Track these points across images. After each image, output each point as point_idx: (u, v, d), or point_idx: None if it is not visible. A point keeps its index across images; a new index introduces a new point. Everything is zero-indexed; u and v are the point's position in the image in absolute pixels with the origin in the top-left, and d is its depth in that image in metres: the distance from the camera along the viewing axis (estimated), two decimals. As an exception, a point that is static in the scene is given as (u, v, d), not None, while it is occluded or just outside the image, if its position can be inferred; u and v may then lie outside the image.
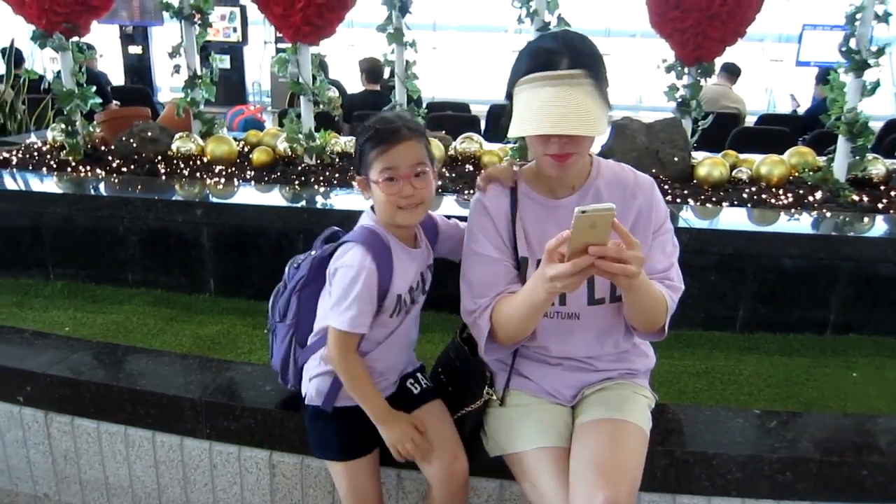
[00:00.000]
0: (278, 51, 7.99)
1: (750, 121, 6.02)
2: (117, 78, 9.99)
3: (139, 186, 2.95)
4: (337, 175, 3.12)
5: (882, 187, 3.08)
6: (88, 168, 3.23)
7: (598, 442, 1.47)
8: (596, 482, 1.37)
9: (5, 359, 2.15)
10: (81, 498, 2.18)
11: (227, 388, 1.98)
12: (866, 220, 2.71)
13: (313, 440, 1.72)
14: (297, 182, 3.04)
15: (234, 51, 10.96)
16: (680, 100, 3.25)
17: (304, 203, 2.77)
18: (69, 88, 3.36)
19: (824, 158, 3.24)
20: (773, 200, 2.85)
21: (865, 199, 2.89)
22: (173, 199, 2.78)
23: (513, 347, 1.60)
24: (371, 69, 5.57)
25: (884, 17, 2.96)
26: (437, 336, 2.24)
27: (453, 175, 3.17)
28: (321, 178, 3.08)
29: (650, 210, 1.55)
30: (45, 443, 2.14)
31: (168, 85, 10.35)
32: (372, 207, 1.61)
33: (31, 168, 3.28)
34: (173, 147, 3.39)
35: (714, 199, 2.85)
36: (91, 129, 3.62)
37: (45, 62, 6.62)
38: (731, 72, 5.98)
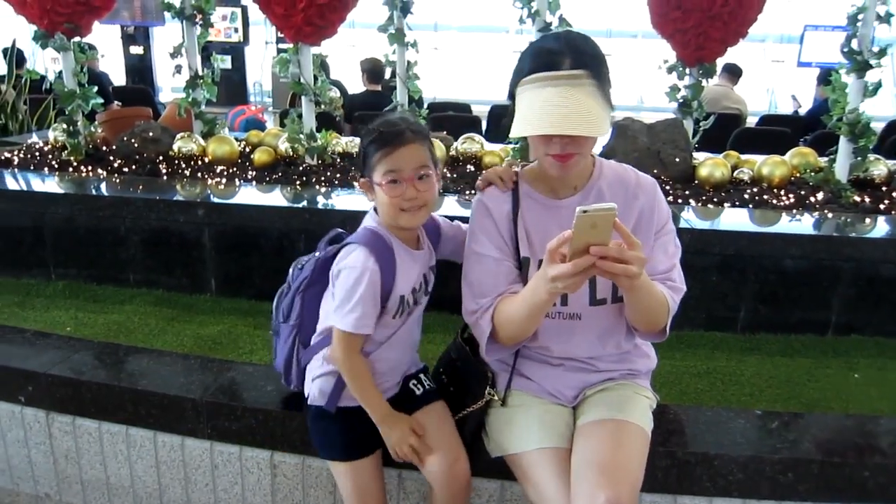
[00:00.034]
0: (279, 51, 7.99)
1: (751, 121, 6.01)
2: (119, 78, 10.01)
3: (140, 186, 2.95)
4: (338, 175, 3.12)
5: (884, 188, 3.07)
6: (90, 168, 3.23)
7: (600, 442, 1.47)
8: (597, 482, 1.37)
9: (7, 359, 2.15)
10: (82, 498, 2.19)
11: (228, 388, 1.99)
12: (868, 220, 2.71)
13: (316, 440, 1.72)
14: (298, 182, 3.04)
15: (236, 51, 10.99)
16: (681, 100, 3.25)
17: (305, 203, 2.77)
18: (71, 88, 3.37)
19: (826, 159, 3.24)
20: (774, 201, 2.85)
21: (867, 199, 2.88)
22: (175, 199, 2.79)
23: (514, 348, 1.60)
24: (372, 69, 5.57)
25: (886, 18, 2.95)
26: (439, 336, 2.23)
27: (454, 175, 3.17)
28: (322, 179, 3.08)
29: (652, 211, 1.55)
30: (46, 443, 2.14)
31: (169, 85, 10.35)
32: (375, 209, 1.61)
33: (32, 168, 3.28)
34: (175, 147, 3.39)
35: (715, 199, 2.85)
36: (92, 129, 3.62)
37: (46, 62, 6.64)
38: (733, 72, 5.98)
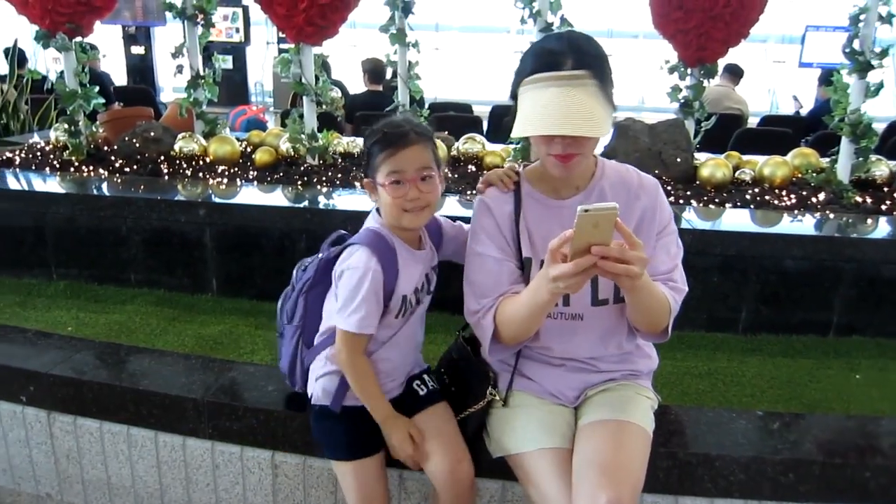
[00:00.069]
0: (281, 51, 7.99)
1: (753, 122, 6.01)
2: (120, 78, 10.01)
3: (142, 186, 2.95)
4: (339, 175, 3.12)
5: (885, 189, 3.07)
6: (91, 168, 3.24)
7: (601, 443, 1.47)
8: (599, 483, 1.37)
9: (8, 359, 2.15)
10: (84, 498, 2.19)
11: (229, 388, 1.99)
12: (869, 221, 2.71)
13: (320, 440, 1.72)
14: (299, 182, 3.04)
15: (237, 51, 10.98)
16: (683, 101, 3.25)
17: (306, 203, 2.77)
18: (72, 88, 3.37)
19: (827, 160, 3.23)
20: (776, 202, 2.85)
21: (869, 200, 2.88)
22: (176, 199, 2.79)
23: (516, 348, 1.60)
24: (373, 70, 5.58)
25: (887, 19, 2.95)
26: (440, 337, 2.23)
27: (455, 176, 3.17)
28: (324, 179, 3.08)
29: (654, 211, 1.55)
30: (47, 442, 2.14)
31: (171, 85, 10.34)
32: (377, 210, 1.62)
33: (34, 168, 3.28)
34: (176, 147, 3.39)
35: (717, 200, 2.85)
36: (94, 129, 3.63)
37: (47, 62, 6.63)
38: (734, 73, 5.98)
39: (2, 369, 2.12)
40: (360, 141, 3.63)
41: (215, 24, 3.66)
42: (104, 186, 2.99)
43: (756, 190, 3.00)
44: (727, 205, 2.81)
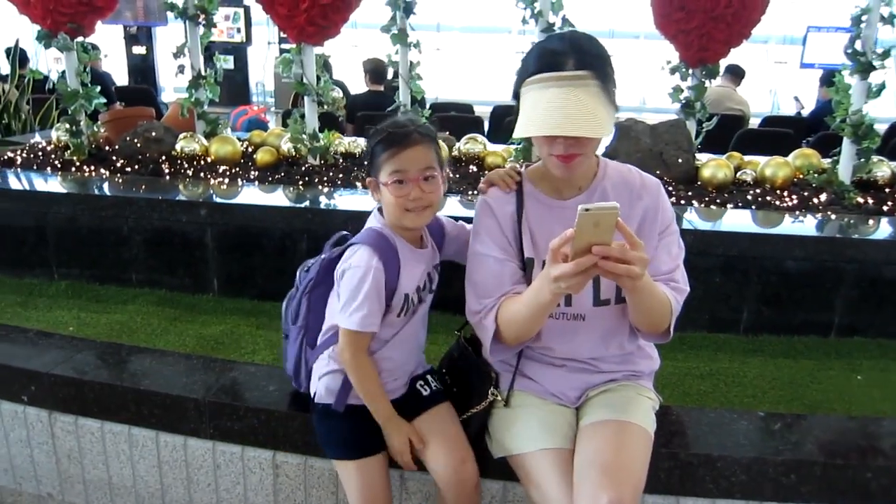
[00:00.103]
0: (282, 51, 8.00)
1: (754, 123, 6.01)
2: (121, 78, 10.01)
3: (143, 186, 2.95)
4: (340, 175, 3.13)
5: (887, 190, 3.06)
6: (92, 168, 3.24)
7: (603, 443, 1.47)
8: (600, 483, 1.37)
9: (9, 358, 2.15)
10: (85, 497, 2.19)
11: (230, 388, 1.99)
12: (871, 222, 2.70)
13: (322, 439, 1.72)
14: (300, 182, 3.04)
15: (238, 51, 10.98)
16: (684, 101, 3.24)
17: (307, 203, 2.77)
18: (73, 88, 3.37)
19: (829, 160, 3.23)
20: (777, 202, 2.84)
21: (870, 201, 2.88)
22: (177, 199, 2.79)
23: (518, 348, 1.60)
24: (375, 70, 5.58)
25: (889, 20, 2.95)
26: (441, 337, 2.22)
27: (457, 176, 3.16)
28: (325, 179, 3.08)
29: (656, 211, 1.55)
30: (48, 442, 2.14)
31: (172, 85, 10.35)
32: (379, 209, 1.63)
33: (35, 168, 3.28)
34: (177, 147, 3.39)
35: (718, 200, 2.85)
36: (95, 129, 3.63)
37: (49, 62, 6.63)
38: (736, 73, 5.98)
39: (3, 369, 2.13)
40: (361, 141, 3.64)
41: (216, 25, 3.67)
42: (105, 186, 3.00)
43: (757, 191, 3.00)
44: (728, 205, 2.81)
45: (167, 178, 3.13)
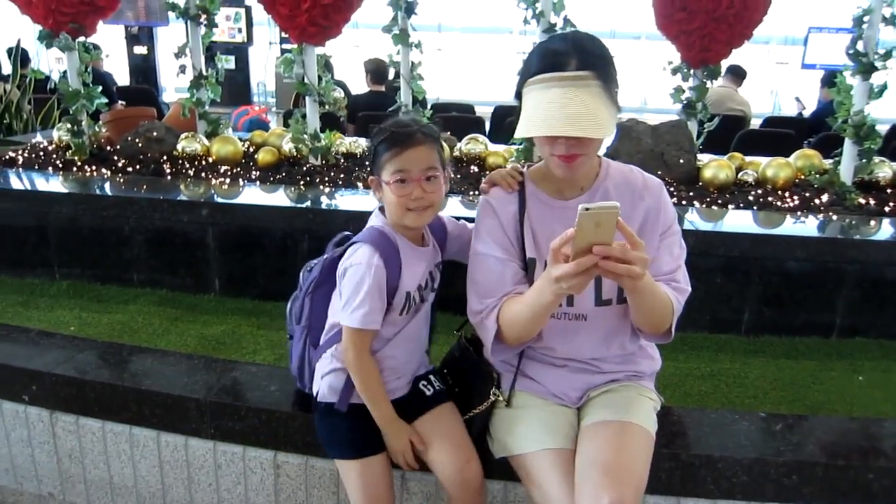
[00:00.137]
0: (283, 51, 8.00)
1: (755, 123, 6.00)
2: (123, 78, 10.02)
3: (144, 186, 2.95)
4: (342, 175, 3.13)
5: (889, 190, 3.06)
6: (94, 168, 3.24)
7: (604, 444, 1.47)
8: (601, 483, 1.37)
9: (11, 358, 2.15)
10: (86, 497, 2.19)
11: (231, 388, 1.99)
12: (872, 223, 2.70)
13: (324, 438, 1.72)
14: (302, 182, 3.04)
15: (239, 51, 10.98)
16: (685, 102, 3.24)
17: (308, 203, 2.77)
18: (75, 88, 3.38)
19: (830, 161, 3.23)
20: (778, 203, 2.84)
21: (872, 202, 2.88)
22: (178, 199, 2.79)
23: (519, 348, 1.60)
24: (376, 70, 5.58)
25: (891, 20, 2.94)
26: (442, 337, 2.22)
27: (458, 176, 3.17)
28: (326, 179, 3.08)
29: (658, 212, 1.55)
30: (49, 442, 2.14)
31: (173, 85, 10.36)
32: (381, 208, 1.63)
33: (36, 168, 3.29)
34: (178, 147, 3.40)
35: (719, 201, 2.85)
36: (97, 128, 3.63)
37: (50, 62, 6.64)
38: (737, 74, 5.97)
39: (4, 369, 2.13)
40: (362, 141, 3.64)
41: (218, 25, 3.67)
42: (107, 186, 3.00)
43: (759, 191, 3.00)
44: (730, 206, 2.81)
45: (168, 178, 3.13)
